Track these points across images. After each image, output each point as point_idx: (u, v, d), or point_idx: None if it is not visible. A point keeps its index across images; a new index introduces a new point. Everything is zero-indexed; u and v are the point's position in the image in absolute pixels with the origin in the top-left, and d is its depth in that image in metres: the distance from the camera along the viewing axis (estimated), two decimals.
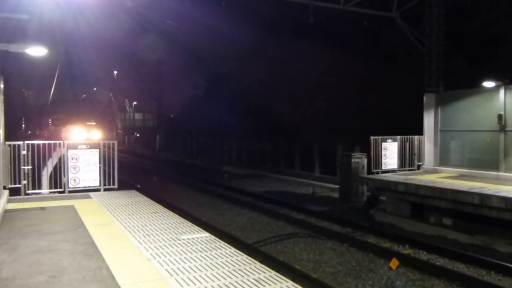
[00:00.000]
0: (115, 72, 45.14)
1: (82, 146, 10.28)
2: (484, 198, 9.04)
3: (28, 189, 9.63)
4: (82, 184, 10.10)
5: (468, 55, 16.63)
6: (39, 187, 10.29)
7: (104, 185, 10.24)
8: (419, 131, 14.28)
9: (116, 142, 10.57)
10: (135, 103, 49.56)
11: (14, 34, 10.86)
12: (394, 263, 7.69)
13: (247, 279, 4.44)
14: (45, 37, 15.08)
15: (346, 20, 16.08)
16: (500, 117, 11.83)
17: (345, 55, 20.50)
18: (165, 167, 28.13)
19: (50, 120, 37.20)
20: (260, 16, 19.63)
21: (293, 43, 21.62)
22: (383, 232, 10.23)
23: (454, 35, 14.87)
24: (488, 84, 12.55)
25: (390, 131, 13.22)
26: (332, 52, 20.53)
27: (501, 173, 11.76)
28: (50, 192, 10.11)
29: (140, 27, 23.85)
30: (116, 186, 10.39)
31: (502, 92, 11.95)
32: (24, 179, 9.49)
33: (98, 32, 23.46)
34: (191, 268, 4.84)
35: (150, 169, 26.49)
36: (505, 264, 7.75)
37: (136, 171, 25.04)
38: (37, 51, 9.18)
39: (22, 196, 9.43)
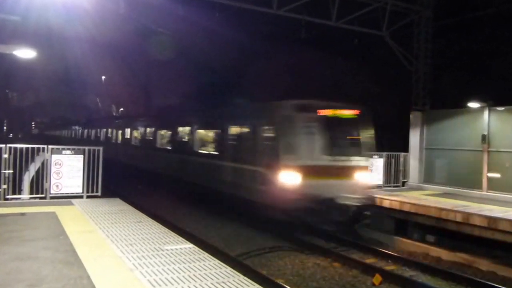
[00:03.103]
0: (103, 77, 44.81)
1: (67, 152, 10.13)
2: (467, 216, 9.16)
3: (8, 194, 9.43)
4: (64, 191, 9.93)
5: (454, 75, 16.97)
6: (20, 192, 10.08)
7: (88, 192, 10.09)
8: (405, 148, 14.45)
9: (101, 149, 10.44)
10: (121, 109, 49.16)
11: (3, 35, 10.74)
12: (377, 279, 7.70)
13: None
14: (34, 39, 14.92)
15: (337, 36, 16.30)
16: (484, 137, 12.05)
17: (335, 70, 20.75)
18: None
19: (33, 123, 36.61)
20: (253, 29, 19.80)
21: (286, 57, 21.81)
22: (367, 247, 10.25)
23: (442, 55, 15.18)
24: (473, 105, 12.79)
25: (378, 147, 13.36)
26: (322, 68, 20.77)
27: (484, 193, 11.95)
28: (31, 198, 9.91)
29: (131, 33, 23.78)
30: (99, 194, 10.25)
31: (486, 113, 12.19)
32: (5, 184, 9.29)
33: (89, 36, 23.30)
34: (173, 279, 4.78)
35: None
36: (485, 282, 7.82)
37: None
38: (25, 53, 9.08)
39: (2, 201, 9.23)
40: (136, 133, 22.64)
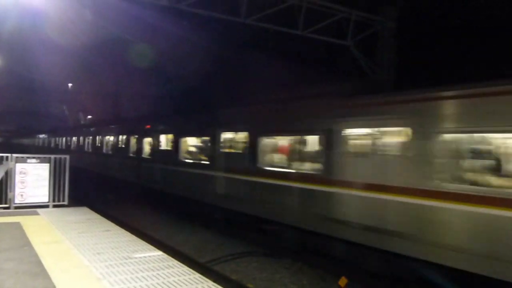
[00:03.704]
0: (70, 84, 43.84)
1: (32, 160, 9.93)
2: None
3: None
4: (29, 200, 9.72)
5: (416, 85, 17.51)
6: None
7: (54, 201, 9.91)
8: None
9: (67, 157, 10.28)
10: (89, 116, 48.18)
11: None
12: (343, 281, 7.89)
13: None
14: None
15: (303, 45, 16.59)
16: None
17: (302, 79, 21.09)
18: None
19: None
20: (222, 36, 19.91)
21: (253, 65, 22.02)
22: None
23: (404, 65, 15.66)
24: None
25: None
26: (290, 76, 21.07)
27: None
28: None
29: (99, 41, 23.45)
30: (66, 203, 10.08)
31: None
32: None
33: (54, 43, 22.83)
34: (142, 287, 4.80)
35: None
36: None
37: None
38: None
39: None
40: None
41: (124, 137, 19.78)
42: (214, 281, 5.40)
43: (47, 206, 9.81)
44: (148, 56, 23.92)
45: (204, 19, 12.95)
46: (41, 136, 46.86)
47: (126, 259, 5.89)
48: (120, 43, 23.61)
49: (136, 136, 18.26)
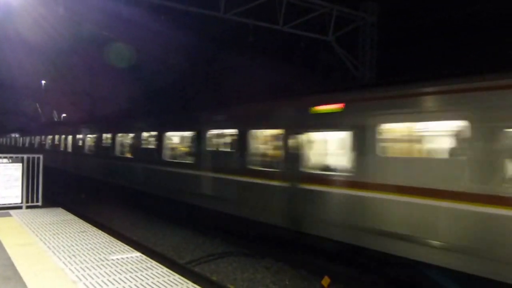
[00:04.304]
0: (43, 82, 42.72)
1: (3, 160, 9.54)
2: None
3: None
4: (1, 202, 9.34)
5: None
6: None
7: (27, 202, 9.55)
8: None
9: (41, 156, 9.93)
10: (64, 115, 47.12)
11: None
12: (325, 280, 7.84)
13: None
14: None
15: (284, 40, 16.53)
16: None
17: (283, 75, 21.02)
18: None
19: None
20: (200, 32, 19.67)
21: (234, 61, 21.83)
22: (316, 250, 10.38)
23: (386, 61, 15.76)
24: None
25: None
26: (271, 71, 20.97)
27: None
28: None
29: (73, 37, 22.86)
30: (40, 204, 9.73)
31: None
32: None
33: (26, 39, 22.14)
34: None
35: None
36: None
37: None
38: None
39: None
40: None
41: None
42: (194, 282, 5.24)
43: (20, 207, 9.44)
44: (124, 53, 23.49)
45: (182, 13, 12.71)
46: (13, 135, 45.53)
47: (103, 261, 5.67)
48: (95, 40, 23.09)
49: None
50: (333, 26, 13.83)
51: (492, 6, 12.87)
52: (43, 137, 31.60)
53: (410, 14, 14.99)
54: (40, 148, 30.59)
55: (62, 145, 25.64)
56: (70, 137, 24.43)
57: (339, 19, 14.04)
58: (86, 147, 21.45)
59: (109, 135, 18.63)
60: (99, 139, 19.80)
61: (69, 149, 24.35)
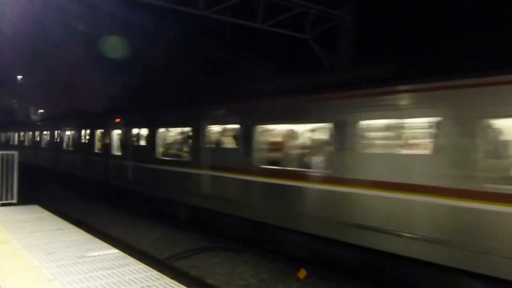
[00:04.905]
0: (19, 77, 41.76)
1: None
2: None
3: None
4: None
5: None
6: None
7: (1, 199, 9.42)
8: None
9: (16, 153, 9.80)
10: (41, 110, 46.15)
11: None
12: (302, 273, 7.98)
13: None
14: None
15: (263, 38, 16.55)
16: None
17: (261, 72, 21.07)
18: None
19: None
20: (180, 29, 19.53)
21: (212, 58, 21.77)
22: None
23: (362, 59, 15.93)
24: None
25: None
26: (249, 69, 21.00)
27: None
28: None
29: (50, 31, 22.42)
30: (15, 201, 9.61)
31: None
32: None
33: (1, 31, 21.62)
34: (96, 287, 4.63)
35: None
36: None
37: None
38: None
39: None
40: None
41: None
42: (172, 277, 5.29)
43: None
44: (103, 47, 23.17)
45: (160, 9, 12.62)
46: None
47: (80, 258, 5.67)
48: (73, 34, 22.72)
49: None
50: (311, 25, 13.92)
51: (467, 5, 13.18)
52: (20, 133, 31.09)
53: (387, 14, 15.21)
54: (18, 145, 30.12)
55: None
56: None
57: (317, 18, 14.15)
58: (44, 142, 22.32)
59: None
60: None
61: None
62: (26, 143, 29.67)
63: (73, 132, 20.68)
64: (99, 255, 5.80)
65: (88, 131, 18.82)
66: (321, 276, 8.20)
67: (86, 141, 19.02)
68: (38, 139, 26.64)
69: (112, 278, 4.90)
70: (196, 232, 11.50)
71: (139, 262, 5.54)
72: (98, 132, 17.75)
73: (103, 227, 11.79)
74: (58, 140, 22.71)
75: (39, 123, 29.72)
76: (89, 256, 5.75)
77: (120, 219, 13.61)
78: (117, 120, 15.74)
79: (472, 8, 12.69)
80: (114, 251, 6.08)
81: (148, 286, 4.66)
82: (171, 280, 4.88)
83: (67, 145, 21.32)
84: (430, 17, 14.39)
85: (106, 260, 5.59)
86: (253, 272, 8.67)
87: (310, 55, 14.88)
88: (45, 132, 25.33)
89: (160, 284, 4.73)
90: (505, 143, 6.03)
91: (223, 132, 10.87)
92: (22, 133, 31.38)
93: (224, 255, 9.73)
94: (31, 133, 28.77)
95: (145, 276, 4.99)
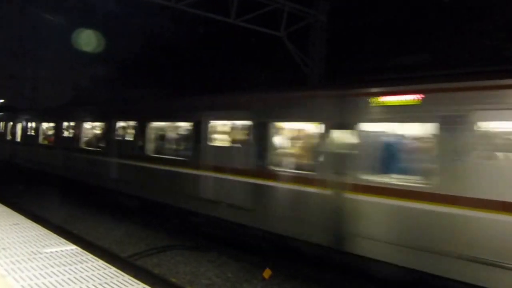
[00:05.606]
0: None
1: None
2: None
3: None
4: None
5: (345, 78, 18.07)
6: None
7: None
8: None
9: None
10: (2, 100, 44.32)
11: None
12: (267, 272, 7.93)
13: None
14: None
15: (236, 35, 16.43)
16: None
17: (235, 69, 20.95)
18: None
19: None
20: (152, 26, 19.19)
21: (186, 54, 21.48)
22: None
23: (334, 58, 16.03)
24: None
25: None
26: (222, 65, 20.82)
27: None
28: None
29: (13, 20, 21.62)
30: None
31: None
32: None
33: None
34: (51, 283, 4.42)
35: None
36: None
37: None
38: None
39: None
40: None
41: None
42: (135, 276, 5.12)
43: None
44: (72, 38, 22.51)
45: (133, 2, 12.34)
46: None
47: (35, 254, 5.41)
48: (40, 23, 21.98)
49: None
50: (285, 23, 13.89)
51: (438, 6, 13.49)
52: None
53: (359, 14, 15.40)
54: None
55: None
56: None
57: (292, 16, 14.15)
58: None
59: None
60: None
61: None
62: None
63: None
64: (56, 251, 5.55)
65: None
66: (287, 275, 8.18)
67: None
68: None
69: (69, 274, 4.70)
70: (160, 230, 11.28)
71: (98, 259, 5.33)
72: None
73: (65, 224, 11.41)
74: None
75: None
76: (45, 252, 5.50)
77: (82, 215, 13.22)
78: None
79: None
80: (72, 247, 5.84)
81: (106, 283, 4.48)
82: (130, 278, 4.71)
83: None
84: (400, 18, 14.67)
85: (63, 256, 5.36)
86: (218, 271, 8.56)
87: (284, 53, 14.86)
88: None
89: (119, 281, 4.55)
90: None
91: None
92: None
93: (189, 254, 9.58)
94: None
95: (104, 273, 4.80)
